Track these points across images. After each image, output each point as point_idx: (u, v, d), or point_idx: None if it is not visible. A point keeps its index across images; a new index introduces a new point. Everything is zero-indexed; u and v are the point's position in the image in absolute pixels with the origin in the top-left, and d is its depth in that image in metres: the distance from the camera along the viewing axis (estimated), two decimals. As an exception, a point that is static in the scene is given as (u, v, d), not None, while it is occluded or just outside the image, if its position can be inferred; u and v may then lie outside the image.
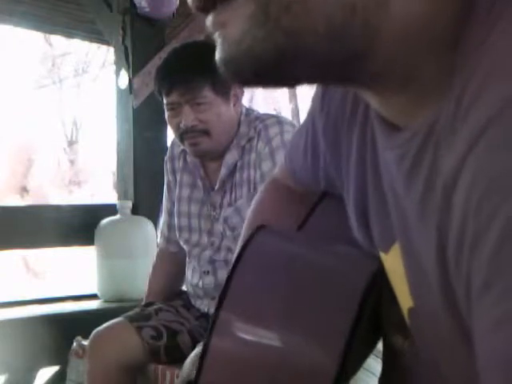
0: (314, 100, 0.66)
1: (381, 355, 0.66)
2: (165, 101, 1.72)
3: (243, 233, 0.76)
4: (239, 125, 1.75)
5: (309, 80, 0.45)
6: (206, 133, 1.69)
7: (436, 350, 0.49)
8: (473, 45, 0.39)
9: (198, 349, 1.61)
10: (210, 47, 1.76)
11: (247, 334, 0.52)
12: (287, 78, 0.44)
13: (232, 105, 1.72)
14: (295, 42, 0.40)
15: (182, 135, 1.71)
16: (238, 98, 1.74)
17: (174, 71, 1.69)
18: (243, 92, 1.76)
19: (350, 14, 0.38)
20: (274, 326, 0.52)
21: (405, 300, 0.52)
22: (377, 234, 0.55)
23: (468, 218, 0.34)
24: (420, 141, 0.43)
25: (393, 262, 0.52)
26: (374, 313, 0.57)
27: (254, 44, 0.40)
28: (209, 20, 0.43)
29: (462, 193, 0.35)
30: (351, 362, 0.51)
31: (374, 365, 0.75)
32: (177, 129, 1.71)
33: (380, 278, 0.54)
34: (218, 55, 0.43)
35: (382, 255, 0.55)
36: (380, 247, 0.55)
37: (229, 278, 0.53)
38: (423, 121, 0.43)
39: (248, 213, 0.80)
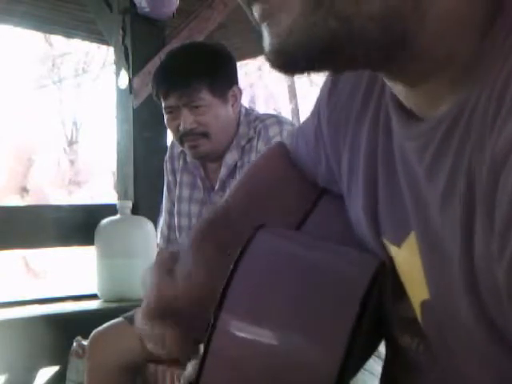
0: (322, 90, 0.66)
1: (380, 356, 0.66)
2: (163, 104, 1.72)
3: (232, 192, 0.74)
4: (239, 125, 1.75)
5: (357, 64, 0.45)
6: (205, 135, 1.69)
7: (453, 343, 0.49)
8: (505, 31, 0.39)
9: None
10: (207, 49, 1.76)
11: (248, 334, 0.52)
12: (337, 64, 0.43)
13: (230, 105, 1.72)
14: (348, 26, 0.40)
15: (181, 138, 1.71)
16: (237, 99, 1.73)
17: (171, 74, 1.69)
18: (241, 92, 1.76)
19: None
20: (275, 327, 0.52)
21: (419, 293, 0.51)
22: (388, 226, 0.55)
23: None
24: (445, 129, 0.43)
25: (407, 254, 0.52)
26: (376, 313, 0.57)
27: (305, 31, 0.40)
28: (256, 10, 0.43)
29: None
30: (353, 362, 0.51)
31: (373, 365, 0.75)
32: (176, 131, 1.71)
33: (382, 277, 0.54)
34: (266, 46, 0.43)
35: (394, 249, 0.54)
36: (391, 240, 0.54)
37: (229, 278, 0.53)
38: (449, 109, 0.43)
39: (244, 172, 0.79)
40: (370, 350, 0.65)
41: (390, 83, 0.49)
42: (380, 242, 0.56)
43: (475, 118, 0.40)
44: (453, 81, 0.43)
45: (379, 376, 0.65)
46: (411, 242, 0.51)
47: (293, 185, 0.72)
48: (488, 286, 0.40)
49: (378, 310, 0.57)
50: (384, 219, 0.55)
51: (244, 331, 0.52)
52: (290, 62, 0.43)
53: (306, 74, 0.45)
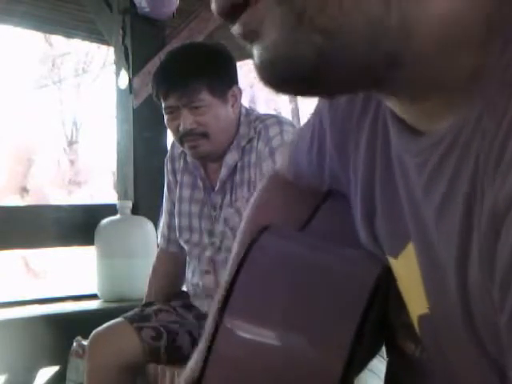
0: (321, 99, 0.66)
1: (385, 355, 0.65)
2: (163, 104, 1.72)
3: (242, 227, 0.75)
4: (239, 125, 1.75)
5: (345, 86, 0.45)
6: (205, 135, 1.69)
7: (450, 355, 0.48)
8: (503, 45, 0.38)
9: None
10: (206, 49, 1.76)
11: (251, 335, 0.51)
12: (325, 84, 0.43)
13: (230, 106, 1.72)
14: (333, 42, 0.39)
15: (181, 138, 1.71)
16: (237, 99, 1.73)
17: (170, 75, 1.69)
18: (241, 92, 1.76)
19: (385, 10, 0.38)
20: (279, 328, 0.52)
21: (416, 306, 0.51)
22: (384, 236, 0.55)
23: None
24: (445, 147, 0.42)
25: (404, 266, 0.51)
26: (380, 315, 0.57)
27: (291, 46, 0.40)
28: (236, 29, 0.42)
29: None
30: (356, 363, 0.51)
31: (377, 365, 0.74)
32: (176, 132, 1.71)
33: (386, 279, 0.54)
34: (255, 62, 0.43)
35: (391, 260, 0.54)
36: (388, 251, 0.54)
37: (233, 279, 0.52)
38: (448, 126, 0.42)
39: (248, 206, 0.79)
40: (375, 350, 0.65)
41: (384, 98, 0.49)
42: (378, 249, 0.56)
43: (474, 142, 0.39)
44: (450, 100, 0.42)
45: (382, 376, 0.64)
46: (409, 253, 0.50)
47: (294, 197, 0.72)
48: (481, 314, 0.41)
49: (383, 311, 0.57)
50: (381, 229, 0.55)
51: (247, 332, 0.52)
52: (275, 75, 0.43)
53: (298, 95, 0.45)
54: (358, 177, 0.58)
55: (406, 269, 0.51)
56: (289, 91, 0.45)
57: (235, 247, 0.75)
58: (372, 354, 0.65)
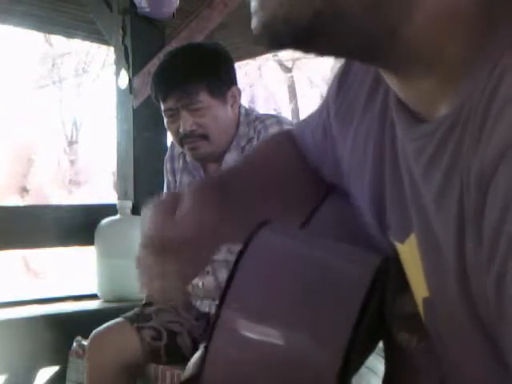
0: (330, 85, 0.67)
1: (383, 354, 0.65)
2: (162, 107, 1.72)
3: (241, 163, 0.75)
4: (239, 125, 1.75)
5: (342, 50, 0.46)
6: (205, 137, 1.69)
7: (447, 340, 0.49)
8: (503, 25, 0.39)
9: (201, 351, 1.61)
10: (204, 50, 1.75)
11: (249, 332, 0.51)
12: (322, 44, 0.44)
13: (230, 106, 1.72)
14: (332, 5, 0.40)
15: (181, 140, 1.71)
16: (236, 99, 1.73)
17: (169, 77, 1.69)
18: (240, 92, 1.76)
19: None
20: (277, 325, 0.52)
21: (420, 290, 0.52)
22: (393, 223, 0.55)
23: (508, 213, 0.34)
24: (442, 134, 0.43)
25: (409, 252, 0.52)
26: (377, 310, 0.57)
27: (291, 8, 0.41)
28: None
29: (500, 188, 0.35)
30: (354, 360, 0.51)
31: (376, 364, 0.74)
32: (176, 134, 1.71)
33: (385, 274, 0.54)
34: (253, 23, 0.44)
35: (399, 245, 0.55)
36: (396, 237, 0.55)
37: (230, 276, 0.52)
38: (446, 114, 0.43)
39: (254, 149, 0.79)
40: (371, 347, 0.65)
41: (388, 80, 0.50)
42: (386, 237, 0.57)
43: (469, 126, 0.40)
44: (444, 81, 0.43)
45: (381, 374, 0.65)
46: (412, 240, 0.51)
47: (302, 175, 0.72)
48: (479, 293, 0.41)
49: (380, 307, 0.57)
50: (390, 216, 0.56)
51: (245, 329, 0.52)
52: (275, 36, 0.44)
53: (285, 50, 0.46)
54: (367, 166, 0.58)
55: (411, 255, 0.52)
56: (282, 48, 0.46)
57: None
58: (370, 349, 0.65)
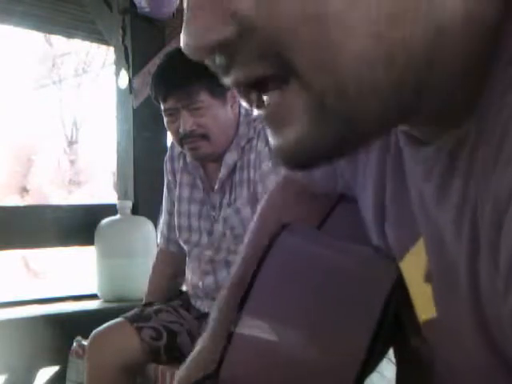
0: None
1: (390, 357, 0.65)
2: (162, 107, 1.72)
3: (254, 226, 0.75)
4: (238, 125, 1.75)
5: (367, 145, 0.45)
6: (205, 137, 1.69)
7: (454, 362, 0.48)
8: (503, 64, 0.38)
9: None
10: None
11: (268, 335, 0.51)
12: (348, 153, 0.44)
13: (229, 106, 1.72)
14: (354, 126, 0.39)
15: (181, 140, 1.71)
16: (236, 99, 1.73)
17: (169, 77, 1.69)
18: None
19: (399, 87, 0.38)
20: (296, 328, 0.52)
21: (421, 311, 0.51)
22: (392, 240, 0.55)
23: None
24: (446, 155, 0.43)
25: (408, 270, 0.52)
26: (394, 317, 0.57)
27: (315, 140, 0.40)
28: (259, 113, 0.42)
29: None
30: (371, 364, 0.51)
31: (382, 365, 0.74)
32: (176, 134, 1.72)
33: (402, 280, 0.54)
34: (273, 143, 0.43)
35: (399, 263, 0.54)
36: (395, 254, 0.55)
37: (252, 279, 0.52)
38: (448, 138, 0.43)
39: (260, 205, 0.79)
40: (384, 351, 0.65)
41: None
42: (389, 251, 0.56)
43: (480, 147, 0.40)
44: (453, 117, 0.43)
45: (388, 376, 0.64)
46: (412, 257, 0.50)
47: (306, 201, 0.73)
48: (494, 320, 0.41)
49: (397, 314, 0.57)
50: (389, 232, 0.56)
51: (263, 333, 0.52)
52: (300, 164, 0.43)
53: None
54: (369, 184, 0.58)
55: (411, 272, 0.51)
56: (310, 168, 0.47)
57: (245, 247, 0.75)
58: (383, 353, 0.65)
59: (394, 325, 0.58)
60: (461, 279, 0.43)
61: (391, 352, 0.65)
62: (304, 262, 0.56)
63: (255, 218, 0.78)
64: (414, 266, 0.50)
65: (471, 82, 0.41)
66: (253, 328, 0.51)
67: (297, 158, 0.42)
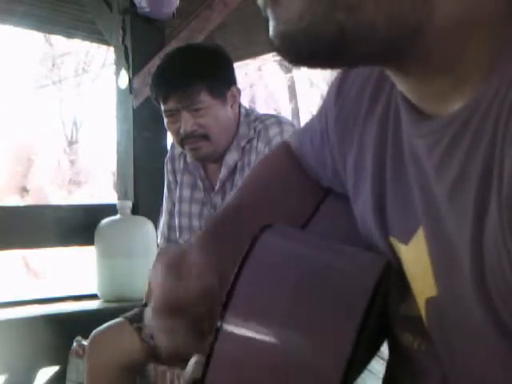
0: (329, 92, 0.66)
1: (381, 355, 0.65)
2: (162, 108, 1.72)
3: (239, 192, 0.74)
4: (239, 125, 1.75)
5: (361, 60, 0.45)
6: (206, 137, 1.69)
7: (456, 341, 0.48)
8: None
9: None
10: (203, 50, 1.75)
11: (253, 334, 0.51)
12: (343, 57, 0.43)
13: (230, 106, 1.72)
14: (355, 17, 0.39)
15: (182, 140, 1.71)
16: (236, 99, 1.73)
17: (169, 78, 1.69)
18: (240, 92, 1.76)
19: (398, 21, 0.38)
20: (280, 328, 0.52)
21: (425, 290, 0.51)
22: (395, 223, 0.55)
23: None
24: (458, 126, 0.43)
25: (415, 251, 0.52)
26: (381, 313, 0.57)
27: (313, 22, 0.39)
28: None
29: None
30: (357, 363, 0.51)
31: (373, 365, 0.74)
32: (177, 134, 1.71)
33: (387, 277, 0.54)
34: (271, 32, 0.42)
35: (401, 246, 0.54)
36: (398, 238, 0.54)
37: (235, 279, 0.52)
38: (461, 107, 0.43)
39: (255, 165, 0.79)
40: (374, 351, 0.65)
41: (397, 80, 0.50)
42: (387, 240, 0.56)
43: (488, 121, 0.40)
44: (460, 80, 0.43)
45: (379, 375, 0.64)
46: (419, 239, 0.51)
47: (296, 187, 0.72)
48: (499, 291, 0.41)
49: (384, 310, 0.57)
50: (391, 216, 0.56)
51: (249, 331, 0.52)
52: (295, 48, 0.42)
53: (315, 68, 0.45)
54: (368, 166, 0.58)
55: (417, 254, 0.51)
56: (306, 64, 0.45)
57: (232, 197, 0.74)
58: (373, 352, 0.65)
59: (383, 320, 0.59)
60: (461, 253, 0.43)
61: (382, 349, 0.65)
62: (287, 262, 0.56)
63: (247, 174, 0.77)
64: (419, 247, 0.51)
65: (476, 43, 0.41)
66: (236, 330, 0.51)
67: (298, 43, 0.41)
